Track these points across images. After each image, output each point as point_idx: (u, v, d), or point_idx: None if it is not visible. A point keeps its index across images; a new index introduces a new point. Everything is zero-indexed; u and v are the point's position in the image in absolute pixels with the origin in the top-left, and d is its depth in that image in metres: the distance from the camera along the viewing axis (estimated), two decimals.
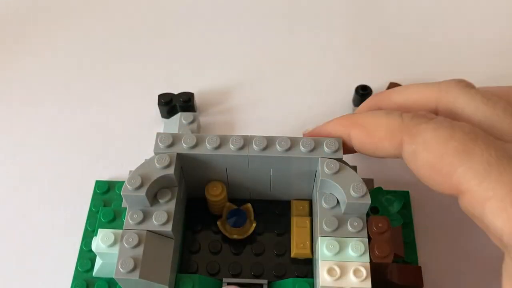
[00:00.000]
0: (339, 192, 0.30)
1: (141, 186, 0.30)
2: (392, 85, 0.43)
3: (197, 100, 0.44)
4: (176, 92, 0.43)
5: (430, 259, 0.36)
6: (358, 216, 0.31)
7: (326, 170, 0.31)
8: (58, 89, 0.46)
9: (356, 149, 0.32)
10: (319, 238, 0.30)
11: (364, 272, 0.29)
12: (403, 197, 0.37)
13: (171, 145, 0.32)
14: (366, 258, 0.30)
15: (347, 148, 0.32)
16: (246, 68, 0.48)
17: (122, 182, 0.37)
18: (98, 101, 0.45)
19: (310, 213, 0.35)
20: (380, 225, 0.31)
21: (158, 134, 0.32)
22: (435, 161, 0.27)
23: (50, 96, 0.45)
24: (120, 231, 0.31)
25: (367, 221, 0.31)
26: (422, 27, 0.50)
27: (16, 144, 0.42)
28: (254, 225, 0.35)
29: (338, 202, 0.31)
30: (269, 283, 0.34)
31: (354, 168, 0.32)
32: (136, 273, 0.29)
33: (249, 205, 0.36)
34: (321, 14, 0.52)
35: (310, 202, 0.36)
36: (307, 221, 0.35)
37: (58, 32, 0.50)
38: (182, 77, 0.47)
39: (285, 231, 0.36)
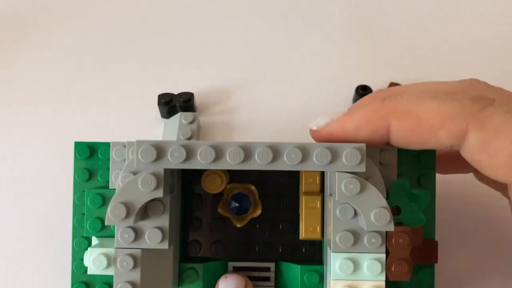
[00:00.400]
0: (358, 215, 0.24)
1: (127, 216, 0.24)
2: (392, 85, 0.41)
3: (197, 100, 0.42)
4: (176, 92, 0.41)
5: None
6: (377, 232, 0.25)
7: (344, 191, 0.24)
8: (58, 89, 0.43)
9: (394, 143, 0.25)
10: (332, 254, 0.25)
11: None
12: (428, 194, 0.29)
13: (156, 159, 0.24)
14: (382, 277, 0.24)
15: (379, 144, 0.25)
16: (246, 68, 0.44)
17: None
18: (98, 101, 0.42)
19: (321, 189, 0.28)
20: (400, 241, 0.25)
21: (138, 143, 0.24)
22: None
23: (50, 96, 0.42)
24: (112, 251, 0.25)
25: (386, 234, 0.25)
26: (422, 27, 0.47)
27: (16, 144, 0.40)
28: (259, 211, 0.29)
29: (355, 212, 0.25)
30: (276, 263, 0.29)
31: (380, 184, 0.25)
32: None
33: (253, 187, 0.30)
34: (321, 14, 0.48)
35: (322, 173, 0.29)
36: (318, 201, 0.28)
37: (58, 32, 0.46)
38: (182, 77, 0.44)
39: (293, 209, 0.29)
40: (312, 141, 0.27)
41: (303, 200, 0.28)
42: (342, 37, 0.46)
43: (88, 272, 0.26)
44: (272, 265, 0.29)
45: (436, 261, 0.28)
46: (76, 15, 0.48)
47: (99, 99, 0.42)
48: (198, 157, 0.24)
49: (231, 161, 0.24)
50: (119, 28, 0.47)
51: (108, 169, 0.28)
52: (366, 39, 0.46)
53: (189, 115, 0.39)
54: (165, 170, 0.24)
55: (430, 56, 0.45)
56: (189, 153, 0.24)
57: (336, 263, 0.24)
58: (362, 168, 0.24)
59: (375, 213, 0.23)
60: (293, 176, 0.29)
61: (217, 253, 0.29)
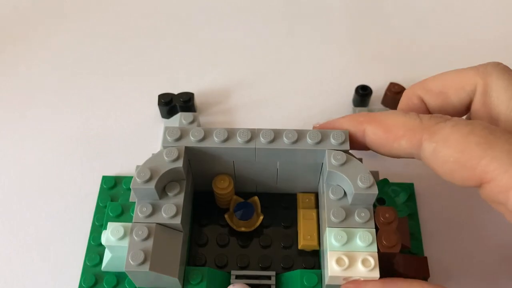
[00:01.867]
0: (346, 183, 0.29)
1: (150, 179, 0.28)
2: (392, 85, 0.41)
3: (197, 100, 0.42)
4: (176, 92, 0.41)
5: (435, 251, 0.34)
6: (365, 207, 0.29)
7: (333, 161, 0.29)
8: (58, 88, 0.43)
9: (369, 145, 0.30)
10: (327, 229, 0.29)
11: (372, 261, 0.27)
12: (409, 189, 0.35)
13: (179, 138, 0.30)
14: (374, 248, 0.28)
15: (359, 144, 0.30)
16: (246, 68, 0.45)
17: (129, 177, 0.36)
18: (98, 101, 0.43)
19: (316, 206, 0.34)
20: (387, 215, 0.29)
21: (166, 128, 0.30)
22: (457, 156, 0.25)
23: (51, 96, 0.43)
24: (129, 224, 0.29)
25: (374, 211, 0.29)
26: (422, 27, 0.49)
27: (25, 142, 0.40)
28: (261, 217, 0.33)
29: (345, 193, 0.29)
30: (276, 275, 0.32)
31: (360, 160, 0.29)
32: (146, 266, 0.27)
33: (256, 198, 0.34)
34: (321, 15, 0.50)
35: (316, 195, 0.34)
36: (313, 213, 0.33)
37: (58, 32, 0.48)
38: (182, 77, 0.45)
39: (292, 223, 0.34)
40: None
41: (300, 213, 0.33)
42: (342, 37, 0.48)
43: (103, 242, 0.29)
44: (273, 273, 0.31)
45: (428, 275, 0.32)
46: (77, 15, 0.49)
47: (100, 99, 0.43)
48: (214, 136, 0.30)
49: (240, 140, 0.29)
50: (119, 29, 0.48)
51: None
52: (366, 39, 0.48)
53: (189, 115, 0.39)
54: (186, 148, 0.29)
55: (430, 56, 0.46)
56: (207, 134, 0.30)
57: (331, 236, 0.28)
58: (346, 146, 0.29)
59: (361, 177, 0.28)
60: (292, 201, 0.34)
61: (220, 264, 0.32)
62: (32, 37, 0.47)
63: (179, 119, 0.39)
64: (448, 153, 0.26)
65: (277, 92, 0.43)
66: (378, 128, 0.29)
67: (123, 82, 0.44)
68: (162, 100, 0.40)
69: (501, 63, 0.30)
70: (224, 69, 0.45)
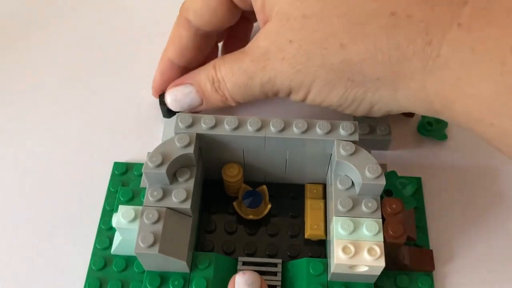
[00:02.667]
0: (354, 174, 0.29)
1: (161, 164, 0.29)
2: None
3: None
4: None
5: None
6: (373, 197, 0.29)
7: (342, 151, 0.29)
8: (58, 87, 0.43)
9: None
10: (334, 218, 0.29)
11: (378, 250, 0.28)
12: (416, 182, 0.36)
13: (190, 125, 0.31)
14: (380, 237, 0.28)
15: None
16: None
17: (140, 164, 0.36)
18: (99, 101, 0.42)
19: (324, 196, 0.34)
20: (394, 206, 0.29)
21: (178, 114, 0.31)
22: None
23: (51, 96, 0.43)
24: (140, 208, 0.30)
25: (381, 202, 0.29)
26: None
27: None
28: (269, 206, 0.34)
29: (352, 183, 0.30)
30: (283, 263, 0.32)
31: (368, 151, 0.30)
32: (156, 248, 0.27)
33: (265, 186, 0.35)
34: None
35: (324, 186, 0.34)
36: (321, 203, 0.33)
37: (58, 30, 0.47)
38: None
39: (299, 213, 0.34)
40: None
41: (308, 203, 0.34)
42: None
43: (114, 225, 0.30)
44: (279, 261, 0.32)
45: (433, 269, 0.32)
46: (77, 14, 0.49)
47: (100, 99, 0.42)
48: (225, 124, 0.30)
49: (251, 128, 0.30)
50: (120, 27, 0.48)
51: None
52: None
53: (187, 117, 0.39)
54: (197, 135, 0.30)
55: None
56: (218, 122, 0.31)
57: (338, 225, 0.29)
58: (355, 137, 0.30)
59: (369, 167, 0.29)
60: (300, 191, 0.35)
61: (228, 251, 0.33)
62: (34, 37, 0.47)
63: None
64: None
65: None
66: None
67: (123, 82, 0.43)
68: (163, 100, 0.37)
69: None
70: None
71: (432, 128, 0.38)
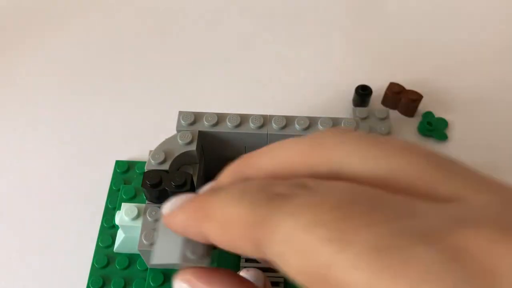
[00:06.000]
0: None
1: (164, 161, 0.29)
2: (392, 85, 0.41)
3: (196, 104, 0.42)
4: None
5: None
6: None
7: None
8: (60, 88, 0.44)
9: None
10: None
11: None
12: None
13: (193, 123, 0.31)
14: None
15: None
16: (246, 68, 0.45)
17: (142, 162, 0.36)
18: (99, 101, 0.43)
19: None
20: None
21: (180, 112, 0.31)
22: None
23: (51, 96, 0.43)
24: (142, 205, 0.30)
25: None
26: (422, 27, 0.49)
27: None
28: None
29: None
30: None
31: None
32: None
33: None
34: (321, 15, 0.50)
35: None
36: None
37: (62, 32, 0.48)
38: (183, 77, 0.45)
39: None
40: None
41: None
42: (342, 37, 0.48)
43: (117, 222, 0.30)
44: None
45: None
46: (79, 14, 0.50)
47: (100, 99, 0.43)
48: (227, 121, 0.31)
49: (253, 125, 0.31)
50: (121, 28, 0.48)
51: None
52: (366, 40, 0.48)
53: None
54: (200, 132, 0.31)
55: (430, 56, 0.46)
56: (220, 119, 0.31)
57: None
58: None
59: None
60: None
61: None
62: (36, 37, 0.47)
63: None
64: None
65: (277, 92, 0.44)
66: (214, 226, 0.18)
67: (123, 82, 0.44)
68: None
69: (341, 127, 0.27)
70: (224, 69, 0.45)
71: (432, 128, 0.38)
